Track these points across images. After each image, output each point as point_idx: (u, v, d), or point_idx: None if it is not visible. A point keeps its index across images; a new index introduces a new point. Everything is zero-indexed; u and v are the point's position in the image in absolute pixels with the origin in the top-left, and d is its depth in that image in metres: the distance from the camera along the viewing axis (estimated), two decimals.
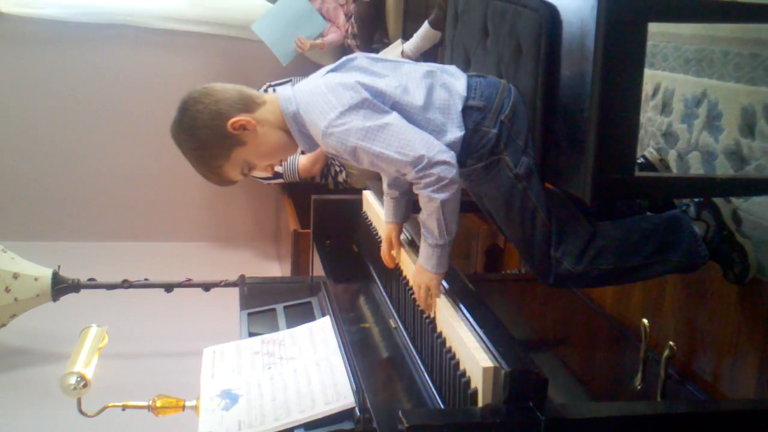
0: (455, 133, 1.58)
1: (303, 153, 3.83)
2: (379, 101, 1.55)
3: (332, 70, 1.64)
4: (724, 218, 1.69)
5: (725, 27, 1.83)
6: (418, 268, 1.63)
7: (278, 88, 1.63)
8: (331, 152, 1.58)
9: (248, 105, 1.60)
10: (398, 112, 1.56)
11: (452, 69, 1.70)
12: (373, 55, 1.70)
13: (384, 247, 1.87)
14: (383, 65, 1.65)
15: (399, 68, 1.64)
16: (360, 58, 1.66)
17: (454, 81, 1.64)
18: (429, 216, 1.55)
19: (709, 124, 1.86)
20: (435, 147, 1.51)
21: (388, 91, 1.57)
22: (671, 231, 1.66)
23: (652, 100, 2.09)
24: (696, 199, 1.72)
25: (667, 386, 1.77)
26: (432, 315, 1.60)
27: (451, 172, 1.50)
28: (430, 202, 1.52)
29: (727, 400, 1.76)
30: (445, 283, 1.62)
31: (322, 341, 1.91)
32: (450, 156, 1.51)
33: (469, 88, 1.63)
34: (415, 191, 1.55)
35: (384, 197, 1.86)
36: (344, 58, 1.67)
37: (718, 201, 1.70)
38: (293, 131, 1.61)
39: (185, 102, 1.59)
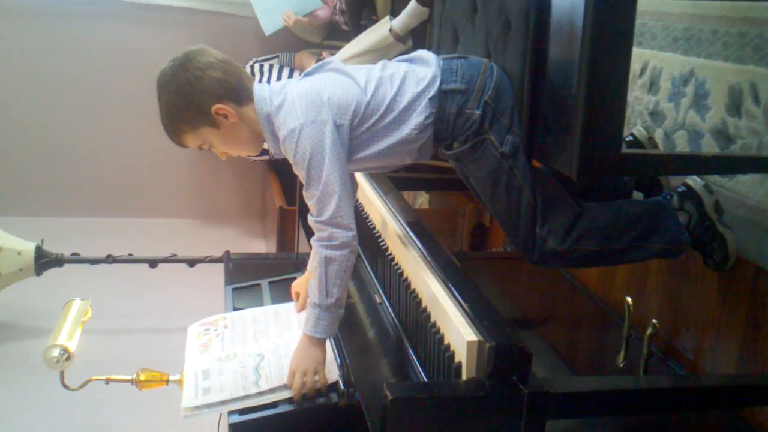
0: (417, 119, 1.62)
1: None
2: (347, 117, 1.59)
3: (308, 74, 1.69)
4: (707, 209, 1.70)
5: (714, 5, 1.82)
6: (301, 340, 1.64)
7: (256, 88, 1.64)
8: (289, 160, 1.62)
9: (241, 97, 1.62)
10: (368, 113, 1.61)
11: (423, 55, 1.72)
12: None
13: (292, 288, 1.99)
14: (356, 69, 1.69)
15: (370, 74, 1.67)
16: (336, 60, 1.72)
17: (426, 69, 1.66)
18: (313, 270, 1.61)
19: (697, 103, 1.86)
20: (344, 210, 1.56)
21: (357, 97, 1.61)
22: (656, 217, 1.67)
23: (639, 78, 2.09)
24: (679, 190, 1.73)
25: (650, 364, 1.79)
26: (297, 401, 1.60)
27: (345, 237, 1.57)
28: (317, 255, 1.59)
29: (708, 375, 1.78)
30: (416, 241, 1.65)
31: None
32: (350, 223, 1.57)
33: (449, 71, 1.65)
34: (311, 241, 1.63)
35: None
36: (320, 62, 1.72)
37: (701, 192, 1.71)
38: (265, 131, 1.64)
39: (188, 60, 1.59)
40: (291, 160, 1.60)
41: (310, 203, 1.59)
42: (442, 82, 1.63)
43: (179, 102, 1.59)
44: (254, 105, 1.62)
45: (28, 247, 3.08)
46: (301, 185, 2.38)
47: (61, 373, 1.90)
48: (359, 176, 2.18)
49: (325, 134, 1.55)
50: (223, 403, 1.62)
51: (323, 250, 1.57)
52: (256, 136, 1.66)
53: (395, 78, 1.65)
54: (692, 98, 1.88)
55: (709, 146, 1.81)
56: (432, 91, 1.62)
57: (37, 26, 4.33)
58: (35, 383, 2.62)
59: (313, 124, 1.55)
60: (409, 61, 1.71)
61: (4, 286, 3.08)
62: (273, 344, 1.81)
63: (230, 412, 1.63)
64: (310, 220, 1.61)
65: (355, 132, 1.62)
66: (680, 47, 1.94)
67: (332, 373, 1.65)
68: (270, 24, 4.08)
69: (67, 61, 4.40)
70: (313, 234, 1.62)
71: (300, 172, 1.59)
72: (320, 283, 1.58)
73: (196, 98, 1.58)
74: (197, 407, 1.61)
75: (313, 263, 1.93)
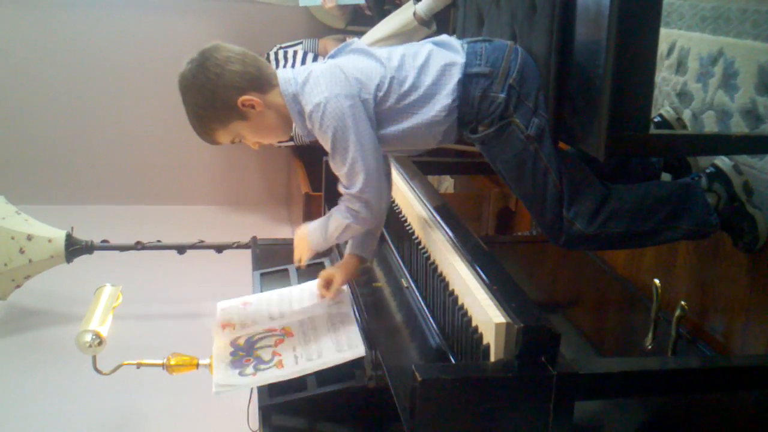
0: (443, 102, 1.62)
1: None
2: (371, 92, 1.60)
3: (332, 56, 1.72)
4: (736, 190, 1.69)
5: None
6: (306, 230, 1.78)
7: (279, 72, 1.66)
8: (312, 131, 1.64)
9: (263, 85, 1.64)
10: (393, 88, 1.62)
11: (447, 39, 1.73)
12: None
13: (324, 276, 1.90)
14: (379, 49, 1.70)
15: (392, 52, 1.68)
16: (357, 41, 1.73)
17: (451, 54, 1.67)
18: (333, 221, 1.67)
19: (725, 82, 1.84)
20: (372, 186, 1.60)
21: (380, 73, 1.62)
22: (684, 199, 1.66)
23: (667, 59, 2.06)
24: (707, 171, 1.71)
25: (678, 346, 1.78)
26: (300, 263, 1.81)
27: (368, 217, 1.63)
28: (340, 213, 1.65)
29: (737, 356, 1.76)
30: (443, 224, 1.70)
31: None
32: (375, 203, 1.63)
33: (473, 54, 1.65)
34: (339, 200, 1.67)
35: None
36: (342, 44, 1.73)
37: (730, 173, 1.69)
38: (292, 112, 1.66)
39: (206, 59, 1.60)
40: (316, 133, 1.62)
41: (339, 174, 1.63)
42: (466, 66, 1.63)
43: (205, 102, 1.60)
44: (278, 89, 1.64)
45: (59, 235, 3.12)
46: (326, 169, 2.40)
47: (94, 358, 1.93)
48: None
49: (350, 109, 1.57)
50: (254, 378, 1.64)
51: (347, 218, 1.63)
52: (285, 119, 1.68)
53: (419, 56, 1.65)
54: (721, 78, 1.85)
55: (738, 126, 1.79)
56: (458, 74, 1.62)
57: (65, 13, 4.36)
58: (68, 368, 2.66)
59: (338, 98, 1.57)
60: (433, 43, 1.71)
61: (35, 273, 3.13)
62: (298, 321, 1.83)
63: (259, 395, 1.65)
64: (341, 188, 1.65)
65: (380, 107, 1.63)
66: (708, 26, 1.91)
67: (359, 347, 1.67)
68: None
69: (95, 49, 4.43)
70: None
71: (325, 145, 1.61)
72: (332, 232, 1.68)
73: (220, 95, 1.59)
74: (229, 384, 1.63)
75: (355, 242, 1.92)
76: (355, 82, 1.60)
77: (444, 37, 1.74)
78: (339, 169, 1.62)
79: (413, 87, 1.63)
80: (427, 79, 1.63)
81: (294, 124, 1.69)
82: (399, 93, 1.63)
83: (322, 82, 1.59)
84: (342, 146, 1.57)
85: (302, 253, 1.79)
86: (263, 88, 1.63)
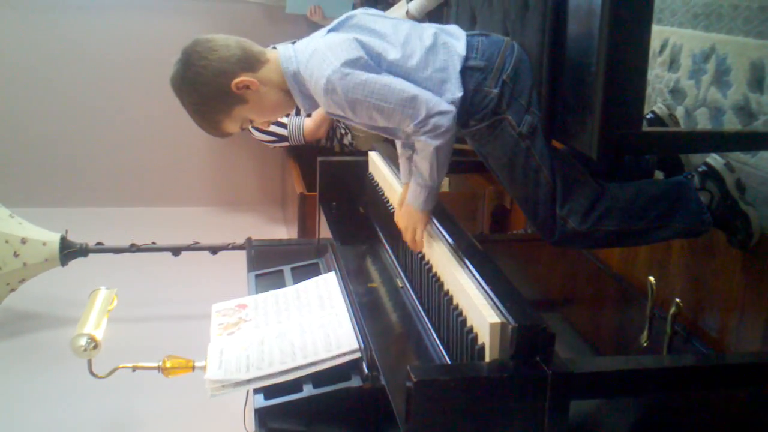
0: (454, 93, 1.58)
1: (308, 116, 3.82)
2: (374, 62, 1.55)
3: (332, 30, 1.65)
4: (728, 188, 1.69)
5: None
6: (406, 209, 1.67)
7: (279, 46, 1.63)
8: (332, 111, 1.58)
9: (252, 64, 1.60)
10: (395, 73, 1.56)
11: (452, 28, 1.70)
12: (373, 11, 1.69)
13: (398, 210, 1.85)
14: (383, 23, 1.64)
15: (398, 27, 1.64)
16: (359, 15, 1.66)
17: (454, 41, 1.64)
18: (423, 159, 1.57)
19: (718, 79, 1.84)
20: (431, 100, 1.52)
21: (384, 51, 1.57)
22: (677, 197, 1.66)
23: (659, 56, 2.07)
24: (700, 169, 1.72)
25: (674, 343, 1.78)
26: (421, 252, 1.67)
27: (448, 121, 1.53)
28: (426, 147, 1.54)
29: (732, 353, 1.77)
30: (437, 224, 1.66)
31: (328, 298, 1.93)
32: (446, 106, 1.53)
33: (470, 47, 1.63)
34: (412, 137, 1.57)
35: (399, 159, 1.87)
36: (344, 16, 1.66)
37: (722, 171, 1.69)
38: (293, 91, 1.62)
39: (188, 55, 1.58)
40: (344, 110, 1.56)
41: (402, 127, 1.56)
42: (465, 58, 1.61)
43: (200, 97, 1.59)
44: (271, 65, 1.61)
45: (53, 238, 3.12)
46: (321, 169, 2.40)
47: (89, 362, 1.93)
48: (378, 158, 2.18)
49: (363, 68, 1.52)
50: (249, 381, 1.64)
51: (433, 141, 1.52)
52: (286, 92, 1.63)
53: (425, 38, 1.62)
54: (713, 75, 1.86)
55: (731, 123, 1.79)
56: (459, 66, 1.60)
57: (55, 15, 4.35)
58: (64, 372, 2.66)
59: (349, 63, 1.51)
60: (439, 30, 1.68)
61: (30, 276, 3.12)
62: (297, 323, 1.82)
63: (255, 397, 1.65)
64: (409, 129, 1.55)
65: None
66: (700, 23, 1.92)
67: (352, 346, 1.66)
68: (295, 5, 4.07)
69: (84, 51, 4.42)
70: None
71: (354, 118, 1.57)
72: (431, 169, 1.56)
73: (213, 85, 1.57)
74: (224, 385, 1.63)
75: (405, 170, 1.85)
76: (360, 46, 1.55)
77: (450, 27, 1.71)
78: (391, 122, 1.55)
79: (420, 65, 1.58)
80: (437, 61, 1.59)
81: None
82: (405, 68, 1.58)
83: (329, 54, 1.53)
84: (376, 101, 1.51)
85: (416, 230, 1.67)
86: (253, 66, 1.60)
